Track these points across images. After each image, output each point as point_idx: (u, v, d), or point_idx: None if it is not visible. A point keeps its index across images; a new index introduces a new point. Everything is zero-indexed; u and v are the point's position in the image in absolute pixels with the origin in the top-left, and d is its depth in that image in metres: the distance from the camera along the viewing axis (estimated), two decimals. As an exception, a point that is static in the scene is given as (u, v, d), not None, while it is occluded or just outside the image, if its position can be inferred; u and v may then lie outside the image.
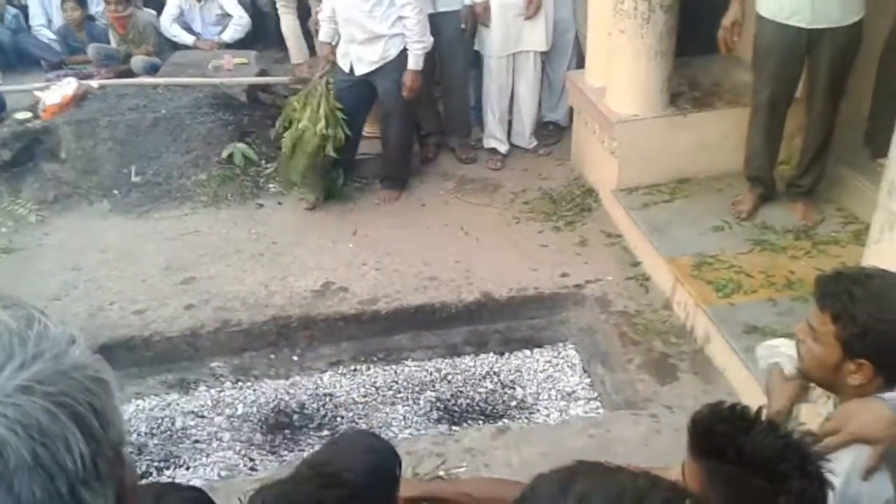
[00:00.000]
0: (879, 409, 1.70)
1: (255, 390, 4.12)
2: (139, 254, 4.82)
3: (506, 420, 3.82)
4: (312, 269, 4.59)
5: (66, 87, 5.85)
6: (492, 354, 4.29)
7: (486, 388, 4.07)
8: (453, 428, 3.78)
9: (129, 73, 6.63)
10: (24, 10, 7.62)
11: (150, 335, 4.18)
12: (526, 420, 3.82)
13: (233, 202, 5.33)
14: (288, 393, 4.09)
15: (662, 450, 3.09)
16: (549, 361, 4.23)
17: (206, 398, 4.09)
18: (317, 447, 3.00)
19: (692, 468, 1.52)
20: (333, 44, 5.09)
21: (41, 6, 7.51)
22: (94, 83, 6.08)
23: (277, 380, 4.18)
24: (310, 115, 4.89)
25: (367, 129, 5.43)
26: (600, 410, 3.85)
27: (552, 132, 5.92)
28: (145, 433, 3.87)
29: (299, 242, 4.87)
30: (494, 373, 4.16)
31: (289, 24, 6.62)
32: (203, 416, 3.97)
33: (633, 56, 4.60)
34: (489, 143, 5.72)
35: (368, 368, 4.23)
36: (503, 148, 5.70)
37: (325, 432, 3.80)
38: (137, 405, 4.03)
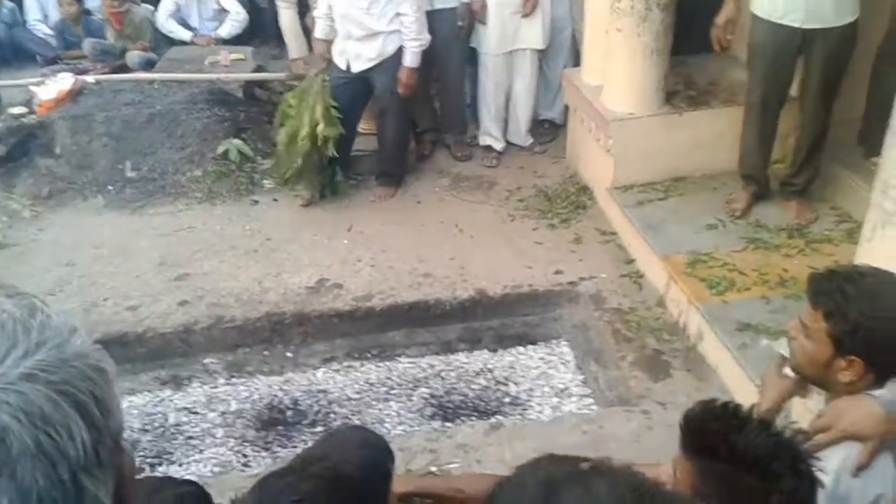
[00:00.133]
0: (870, 406, 1.71)
1: (248, 387, 4.12)
2: (133, 250, 4.82)
3: (499, 416, 3.83)
4: (307, 266, 4.59)
5: (61, 83, 5.83)
6: (485, 351, 4.29)
7: (479, 384, 4.07)
8: (446, 424, 3.78)
9: (125, 69, 6.61)
10: (19, 4, 7.59)
11: (144, 331, 4.17)
12: (519, 416, 3.83)
13: (228, 198, 5.32)
14: (282, 389, 4.09)
15: (655, 446, 3.10)
16: (543, 358, 4.23)
17: (200, 394, 4.08)
18: (310, 443, 3.00)
19: (684, 466, 1.52)
20: (329, 41, 5.08)
21: (37, 1, 7.48)
22: (90, 78, 6.06)
23: (271, 376, 4.18)
24: (307, 114, 4.88)
25: (363, 126, 5.43)
26: (593, 407, 3.85)
27: (548, 130, 5.92)
28: (138, 429, 3.87)
29: (294, 239, 4.87)
30: (488, 369, 4.16)
31: (287, 19, 6.61)
32: (196, 413, 3.97)
33: (629, 54, 4.61)
34: (485, 140, 5.72)
35: (362, 365, 4.23)
36: (499, 145, 5.70)
37: (319, 428, 3.80)
38: (131, 401, 4.02)
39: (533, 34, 5.41)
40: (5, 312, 0.67)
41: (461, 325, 4.35)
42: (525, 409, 3.89)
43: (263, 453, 3.72)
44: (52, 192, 5.39)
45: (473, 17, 5.37)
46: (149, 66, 6.56)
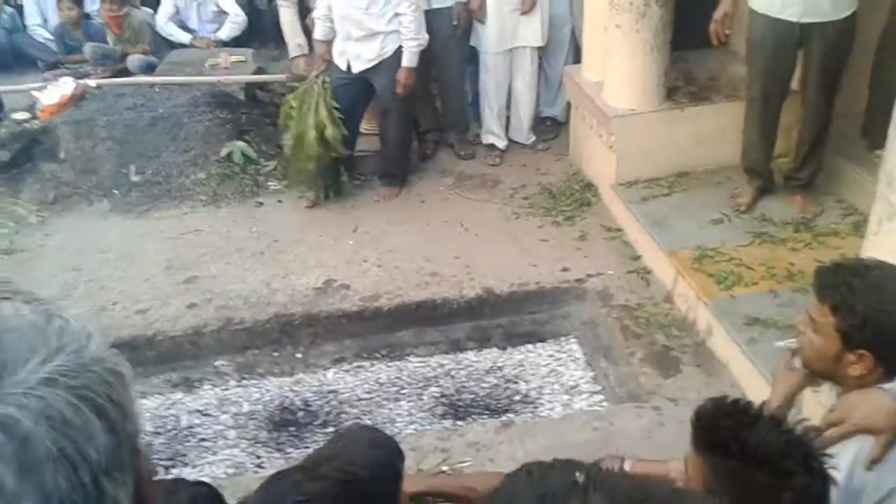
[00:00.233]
0: (881, 400, 1.71)
1: (259, 388, 4.14)
2: (140, 253, 4.83)
3: (510, 414, 3.84)
4: (314, 267, 4.61)
5: (63, 87, 5.84)
6: (494, 349, 4.31)
7: (489, 382, 4.09)
8: (457, 423, 3.80)
9: (126, 73, 6.62)
10: (19, 9, 7.60)
11: (154, 335, 4.19)
12: (530, 414, 3.84)
13: (232, 200, 5.33)
14: (292, 390, 4.11)
15: (666, 443, 3.12)
16: (552, 356, 4.24)
17: (211, 396, 4.10)
18: (322, 444, 3.02)
19: (696, 462, 1.53)
20: (329, 42, 5.09)
21: (36, 6, 7.49)
22: (92, 82, 6.06)
23: (282, 377, 4.19)
24: (310, 117, 4.90)
25: (366, 126, 5.44)
26: (604, 404, 3.87)
27: (550, 127, 5.93)
28: (151, 432, 3.88)
29: (300, 240, 4.89)
30: (497, 367, 4.18)
31: (288, 18, 6.61)
32: (208, 415, 3.99)
33: (629, 51, 4.61)
34: (487, 138, 5.73)
35: (372, 365, 4.25)
36: (501, 144, 5.71)
37: (330, 429, 3.81)
38: (142, 404, 4.04)
39: (532, 32, 5.42)
40: (24, 318, 0.68)
41: (469, 324, 4.37)
42: (536, 407, 3.91)
43: (276, 454, 3.73)
44: (58, 198, 5.41)
45: (471, 15, 5.37)
46: (149, 69, 6.57)
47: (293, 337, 4.29)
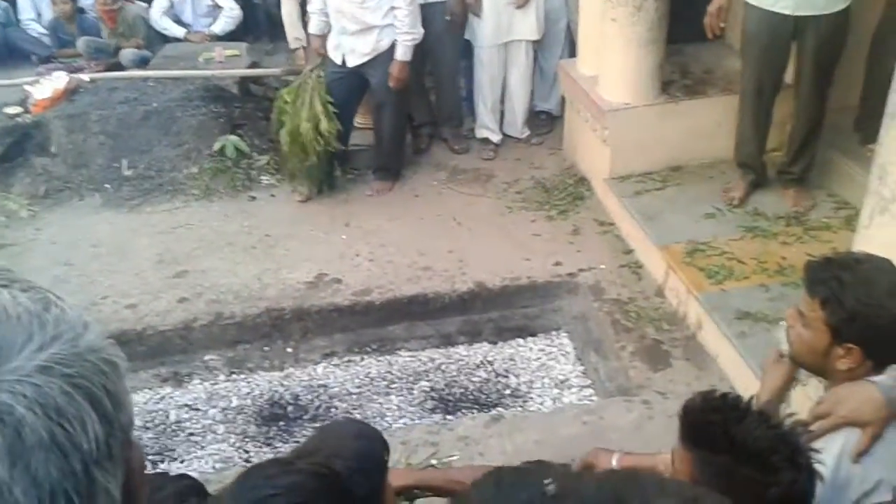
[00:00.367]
0: (869, 392, 1.71)
1: (249, 382, 4.13)
2: (131, 248, 4.81)
3: (499, 408, 3.83)
4: (305, 261, 4.59)
5: (56, 81, 5.82)
6: (485, 344, 4.30)
7: (479, 377, 4.08)
8: (447, 417, 3.79)
9: (119, 67, 6.60)
10: (13, 3, 7.56)
11: (144, 329, 4.17)
12: (520, 408, 3.83)
13: (225, 195, 5.31)
14: (282, 385, 4.10)
15: (655, 436, 3.11)
16: (543, 350, 4.24)
17: (200, 391, 4.09)
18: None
19: (683, 456, 1.52)
20: (324, 36, 5.07)
21: (30, 0, 7.46)
22: (85, 77, 6.04)
23: (271, 372, 4.18)
24: (304, 111, 4.87)
25: (360, 120, 5.42)
26: (594, 398, 3.86)
27: (544, 122, 5.91)
28: (140, 427, 3.87)
29: (292, 234, 4.87)
30: (488, 362, 4.17)
31: (289, 10, 6.60)
32: (197, 409, 3.98)
33: (624, 44, 4.60)
34: (481, 133, 5.72)
35: (362, 359, 4.24)
36: (495, 138, 5.70)
37: (320, 423, 3.80)
38: (131, 399, 4.02)
39: (527, 25, 5.40)
40: (21, 306, 0.68)
41: (461, 318, 4.35)
42: (525, 401, 3.90)
43: (265, 449, 3.72)
44: (49, 192, 5.38)
45: (467, 9, 5.35)
46: (143, 63, 6.54)
47: (284, 331, 4.27)
